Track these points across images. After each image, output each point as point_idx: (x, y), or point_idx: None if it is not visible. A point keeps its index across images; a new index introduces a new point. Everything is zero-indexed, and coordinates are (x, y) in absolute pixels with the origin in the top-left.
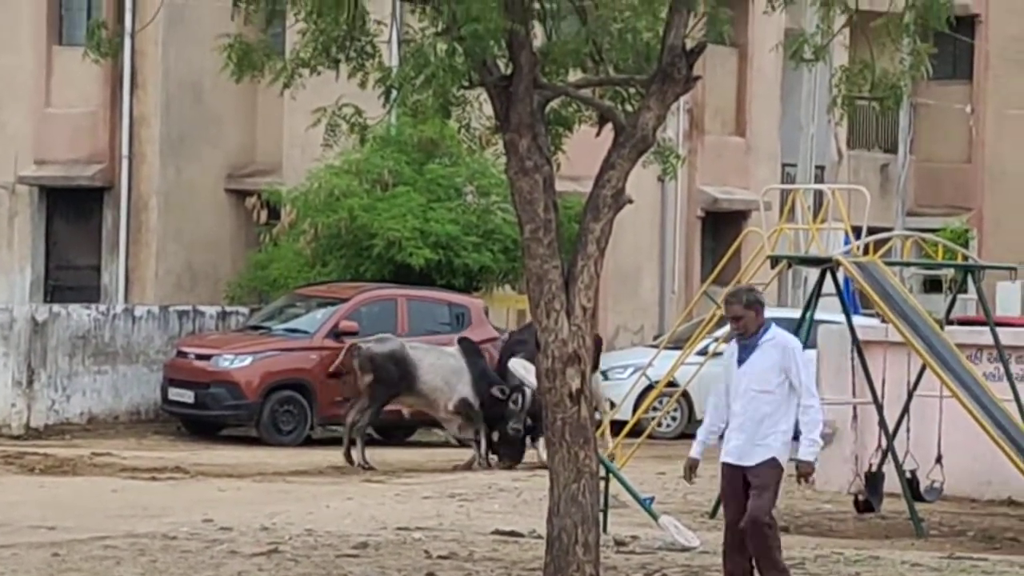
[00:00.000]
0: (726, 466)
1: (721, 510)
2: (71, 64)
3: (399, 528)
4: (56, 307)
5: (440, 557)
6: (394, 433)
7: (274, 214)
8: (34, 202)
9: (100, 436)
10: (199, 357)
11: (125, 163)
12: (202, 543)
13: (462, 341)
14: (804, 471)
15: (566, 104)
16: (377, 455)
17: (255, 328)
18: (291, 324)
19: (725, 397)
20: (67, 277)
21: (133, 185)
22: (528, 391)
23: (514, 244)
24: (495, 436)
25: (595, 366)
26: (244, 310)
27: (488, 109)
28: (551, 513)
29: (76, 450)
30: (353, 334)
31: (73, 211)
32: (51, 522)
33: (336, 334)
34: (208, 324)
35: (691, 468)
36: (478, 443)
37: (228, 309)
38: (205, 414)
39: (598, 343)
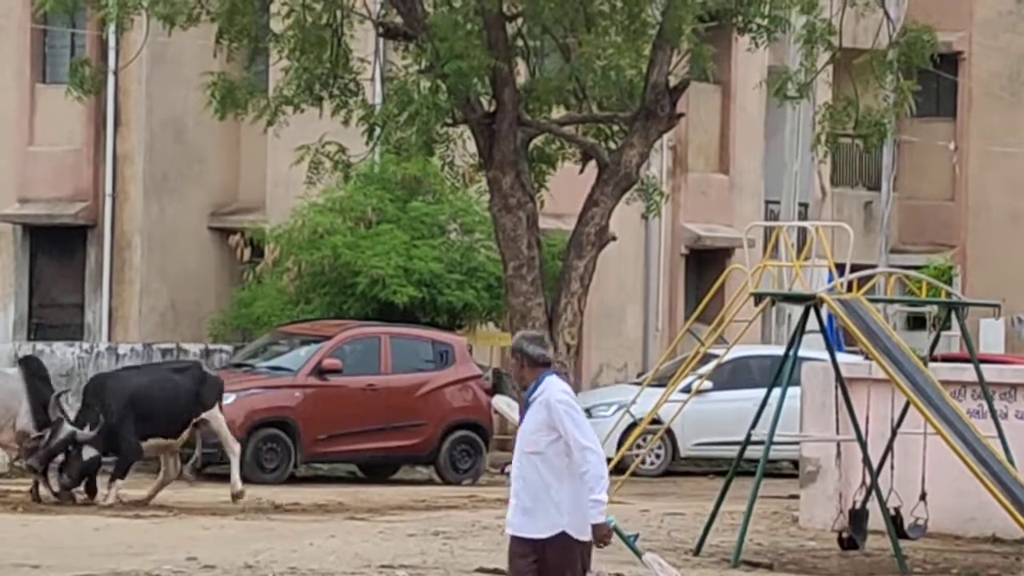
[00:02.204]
0: (514, 540)
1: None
2: (54, 102)
3: (383, 566)
4: (40, 345)
5: None
6: (378, 471)
7: (258, 252)
8: (17, 240)
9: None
10: None
11: (108, 201)
12: None
13: (26, 361)
14: (600, 534)
15: (549, 141)
16: (361, 493)
17: (238, 366)
18: (274, 362)
19: None
20: (50, 315)
21: (116, 223)
22: (67, 429)
23: (497, 281)
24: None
25: (220, 403)
26: (228, 348)
27: (471, 146)
28: None
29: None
30: (337, 372)
31: (56, 249)
32: (34, 560)
33: (320, 372)
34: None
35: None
36: (41, 472)
37: (212, 347)
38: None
39: (219, 381)
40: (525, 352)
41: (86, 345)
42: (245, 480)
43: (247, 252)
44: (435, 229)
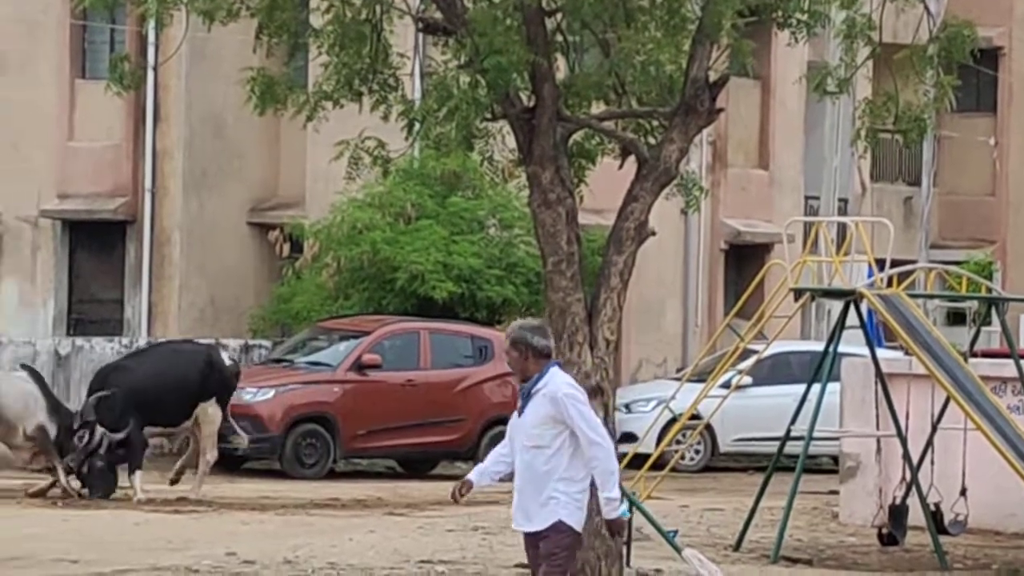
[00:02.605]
0: (523, 534)
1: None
2: (94, 98)
3: (422, 561)
4: (79, 341)
5: None
6: (417, 466)
7: (297, 247)
8: (57, 236)
9: (123, 469)
10: None
11: (148, 197)
12: None
13: (26, 367)
14: (616, 528)
15: (589, 137)
16: (400, 488)
17: (278, 361)
18: (314, 357)
19: (509, 446)
20: (90, 311)
21: (156, 219)
22: (99, 430)
23: (536, 277)
24: (85, 468)
25: (219, 398)
26: (267, 343)
27: (511, 142)
28: None
29: None
30: (376, 367)
31: (96, 245)
32: (74, 555)
33: (359, 367)
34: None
35: (464, 484)
36: (53, 470)
37: (251, 342)
38: (228, 447)
39: (229, 375)
40: (530, 344)
41: (125, 340)
42: (285, 476)
43: (286, 247)
44: (474, 224)
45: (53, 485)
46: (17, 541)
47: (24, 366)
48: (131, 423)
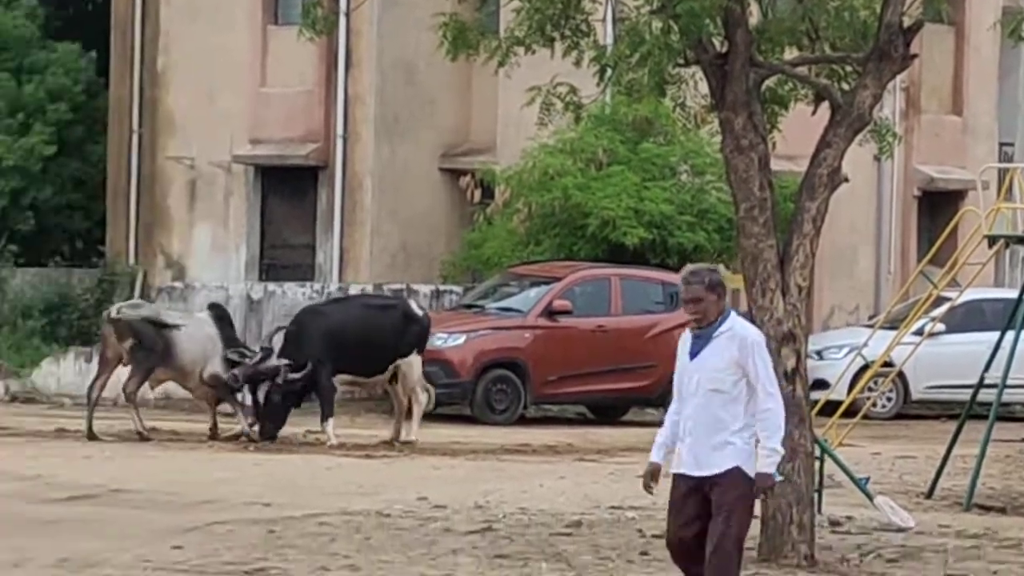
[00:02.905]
0: (678, 476)
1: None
2: (286, 43)
3: (613, 507)
4: (271, 286)
5: (654, 536)
6: (608, 412)
7: (488, 193)
8: (249, 181)
9: (314, 414)
10: None
11: (340, 142)
12: (416, 521)
13: (213, 307)
14: (764, 484)
15: (782, 82)
16: (590, 434)
17: (469, 307)
18: (505, 303)
19: (677, 402)
20: (282, 256)
21: (348, 164)
22: (276, 359)
23: (728, 223)
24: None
25: (419, 349)
26: (458, 289)
27: (703, 87)
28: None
29: (290, 428)
30: (567, 313)
31: (288, 190)
32: (266, 499)
33: (550, 313)
34: (422, 303)
35: (652, 474)
36: (243, 413)
37: (442, 288)
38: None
39: (426, 325)
40: (724, 286)
41: (317, 286)
42: (476, 421)
43: (478, 193)
44: (666, 171)
45: (251, 439)
46: (210, 485)
47: (211, 306)
48: (323, 368)
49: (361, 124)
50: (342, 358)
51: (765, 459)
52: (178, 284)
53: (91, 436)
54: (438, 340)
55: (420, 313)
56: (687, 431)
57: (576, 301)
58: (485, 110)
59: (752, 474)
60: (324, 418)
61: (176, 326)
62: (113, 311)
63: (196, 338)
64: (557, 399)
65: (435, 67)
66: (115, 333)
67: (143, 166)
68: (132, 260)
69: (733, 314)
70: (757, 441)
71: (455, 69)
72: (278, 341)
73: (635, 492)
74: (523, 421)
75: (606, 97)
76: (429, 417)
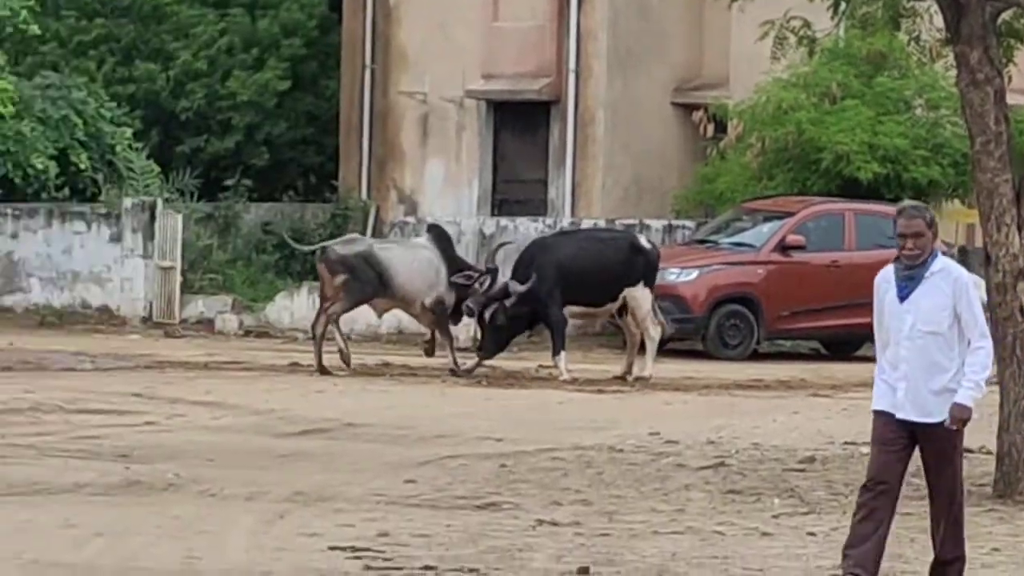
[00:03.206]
0: (885, 416)
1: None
2: None
3: (846, 443)
4: (503, 220)
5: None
6: (841, 348)
7: (721, 128)
8: (481, 116)
9: (546, 348)
10: None
11: (572, 77)
12: (648, 456)
13: (432, 228)
14: (959, 416)
15: (1018, 16)
16: (824, 370)
17: (701, 242)
18: (737, 238)
19: (883, 336)
20: (514, 191)
21: (580, 99)
22: (502, 279)
23: (963, 158)
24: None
25: (647, 281)
26: (690, 224)
27: (938, 21)
28: (1001, 429)
29: (523, 362)
30: (800, 248)
31: (520, 125)
32: (498, 433)
33: (783, 248)
34: (654, 237)
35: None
36: (450, 341)
37: (674, 223)
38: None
39: (653, 257)
40: (937, 225)
41: (549, 220)
42: (708, 356)
43: (710, 128)
44: (900, 105)
45: (479, 365)
46: (442, 419)
47: (430, 227)
48: (553, 301)
49: (593, 58)
50: (571, 289)
51: (967, 391)
52: (410, 219)
53: (322, 371)
54: (671, 275)
55: (648, 246)
56: (901, 375)
57: (809, 236)
58: (718, 44)
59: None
60: (556, 352)
61: (390, 256)
62: (328, 247)
63: (415, 265)
64: (790, 334)
65: (668, 1)
66: (328, 270)
67: (376, 101)
68: (365, 195)
69: (940, 254)
70: None
71: (688, 3)
72: (501, 258)
73: (869, 428)
74: (756, 356)
75: (840, 31)
76: (661, 352)
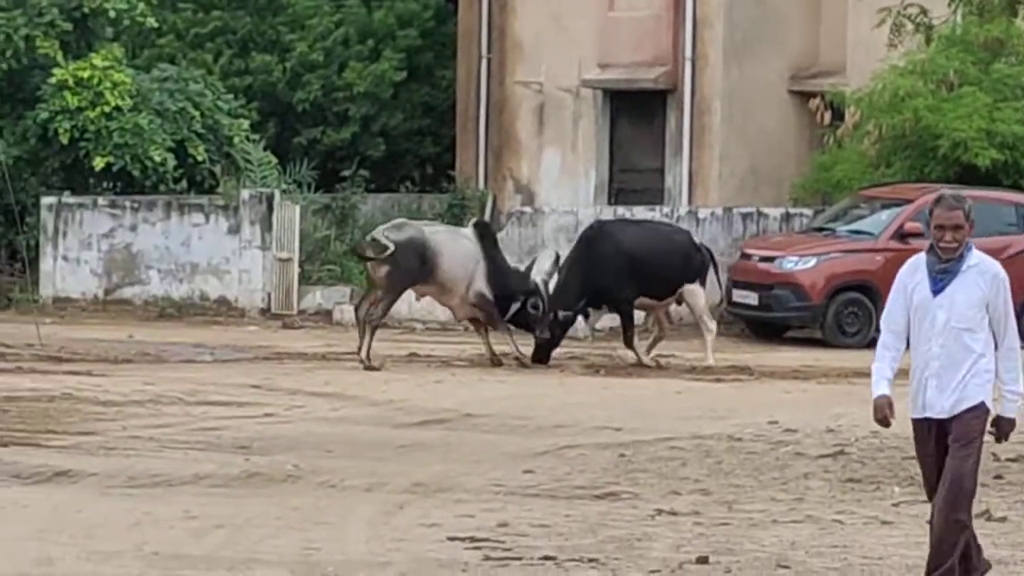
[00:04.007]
0: (924, 422)
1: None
2: None
3: None
4: (620, 209)
5: (1009, 460)
6: None
7: (837, 115)
8: (598, 105)
9: (668, 339)
10: (763, 259)
11: (688, 65)
12: (767, 444)
13: (478, 225)
14: (1005, 430)
15: None
16: None
17: (819, 230)
18: (855, 226)
19: (904, 328)
20: (630, 180)
21: (696, 87)
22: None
23: None
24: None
25: (701, 279)
26: (808, 212)
27: None
28: None
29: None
30: (919, 236)
31: (636, 114)
32: (617, 423)
33: (901, 236)
34: (772, 226)
35: (889, 406)
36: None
37: (792, 211)
38: (769, 316)
39: (707, 257)
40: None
41: (666, 209)
42: (827, 344)
43: (827, 115)
44: (1018, 91)
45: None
46: (560, 409)
47: (476, 223)
48: (626, 293)
49: (709, 46)
50: (637, 279)
51: (1011, 403)
52: (527, 208)
53: (366, 362)
54: (788, 263)
55: (703, 248)
56: (932, 372)
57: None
58: (834, 32)
59: (989, 407)
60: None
61: (439, 240)
62: (371, 235)
63: (457, 256)
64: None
65: None
66: (374, 256)
67: (492, 91)
68: (481, 185)
69: (974, 248)
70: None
71: None
72: (548, 269)
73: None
74: (874, 344)
75: (957, 18)
76: (780, 341)
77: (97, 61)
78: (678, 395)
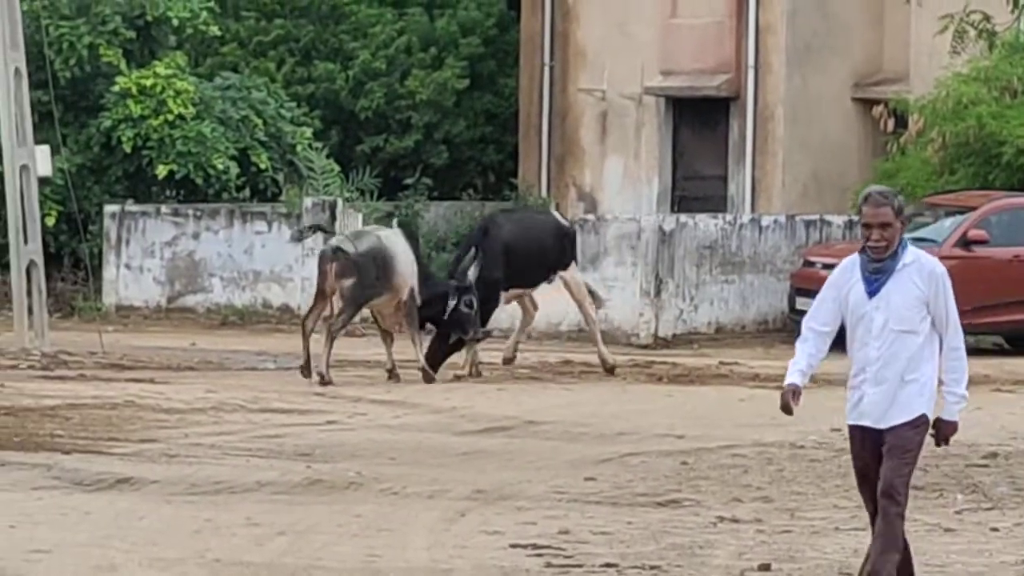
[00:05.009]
0: (859, 430)
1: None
2: None
3: None
4: (683, 217)
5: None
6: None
7: (901, 123)
8: (660, 113)
9: (727, 345)
10: (826, 266)
11: (751, 73)
12: (830, 452)
13: (403, 225)
14: (945, 433)
15: None
16: (1007, 365)
17: None
18: (919, 233)
19: (829, 320)
20: (693, 187)
21: (759, 95)
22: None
23: None
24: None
25: (566, 263)
26: None
27: None
28: None
29: (703, 359)
30: (982, 243)
31: (699, 121)
32: (679, 430)
33: (965, 243)
34: (835, 233)
35: (795, 394)
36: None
37: (855, 218)
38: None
39: (570, 236)
40: (905, 212)
41: (729, 217)
42: None
43: (890, 123)
44: None
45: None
46: (622, 416)
47: (402, 223)
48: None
49: (772, 54)
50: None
51: (953, 405)
52: (590, 216)
53: (307, 371)
54: None
55: (568, 225)
56: (870, 378)
57: (992, 231)
58: (897, 39)
59: (930, 417)
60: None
61: (394, 249)
62: (333, 243)
63: (406, 260)
64: (972, 329)
65: None
66: (335, 269)
67: (554, 99)
68: (544, 193)
69: (910, 244)
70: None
71: None
72: (473, 275)
73: None
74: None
75: (1020, 24)
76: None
77: (160, 69)
78: (741, 403)
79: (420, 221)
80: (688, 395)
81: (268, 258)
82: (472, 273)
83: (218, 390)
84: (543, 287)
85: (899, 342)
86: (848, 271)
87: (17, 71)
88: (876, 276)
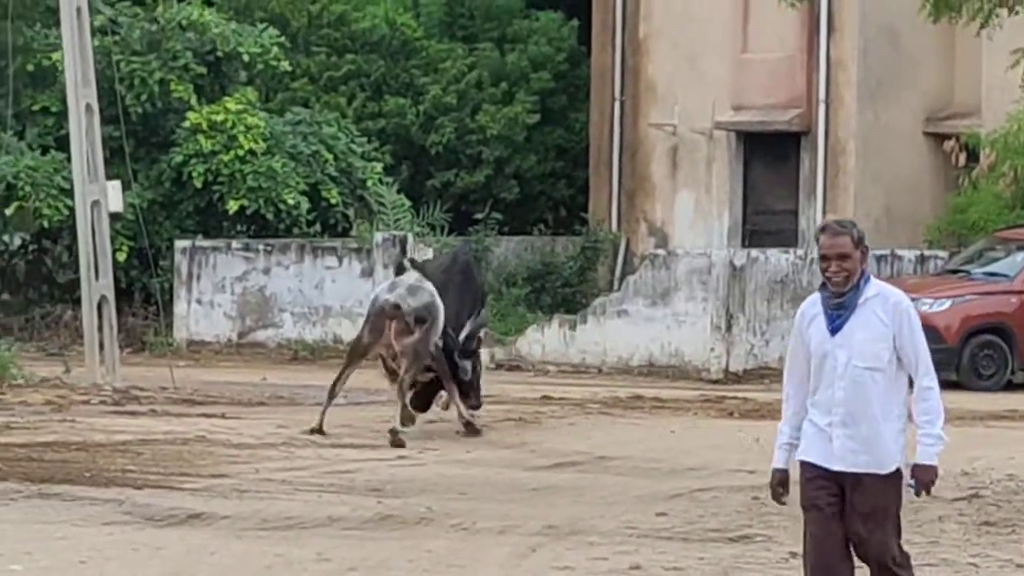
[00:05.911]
0: (813, 469)
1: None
2: (767, 10)
3: None
4: (754, 252)
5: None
6: None
7: (973, 157)
8: (731, 147)
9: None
10: None
11: (822, 107)
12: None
13: (415, 264)
14: (926, 479)
15: None
16: None
17: (954, 272)
18: (990, 268)
19: (806, 375)
20: (764, 222)
21: (830, 129)
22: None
23: None
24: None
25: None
26: (943, 254)
27: None
28: None
29: (774, 394)
30: None
31: (770, 156)
32: (750, 466)
33: None
34: (906, 268)
35: (782, 483)
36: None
37: (927, 253)
38: None
39: (482, 296)
40: (867, 244)
41: (800, 251)
42: (962, 387)
43: (962, 157)
44: None
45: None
46: (694, 451)
47: (412, 261)
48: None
49: (844, 88)
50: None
51: (928, 448)
52: (660, 251)
53: (320, 432)
54: (923, 305)
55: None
56: (837, 421)
57: None
58: (969, 73)
59: (902, 468)
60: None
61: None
62: (392, 300)
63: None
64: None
65: (918, 30)
66: (395, 328)
67: (625, 133)
68: (615, 227)
69: (873, 278)
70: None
71: (938, 32)
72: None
73: None
74: (1010, 387)
75: None
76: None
77: (231, 105)
78: None
79: (491, 256)
80: (759, 430)
81: (338, 293)
82: (469, 327)
83: (289, 425)
84: (608, 323)
85: (864, 380)
86: (808, 311)
87: (88, 107)
88: (838, 312)
